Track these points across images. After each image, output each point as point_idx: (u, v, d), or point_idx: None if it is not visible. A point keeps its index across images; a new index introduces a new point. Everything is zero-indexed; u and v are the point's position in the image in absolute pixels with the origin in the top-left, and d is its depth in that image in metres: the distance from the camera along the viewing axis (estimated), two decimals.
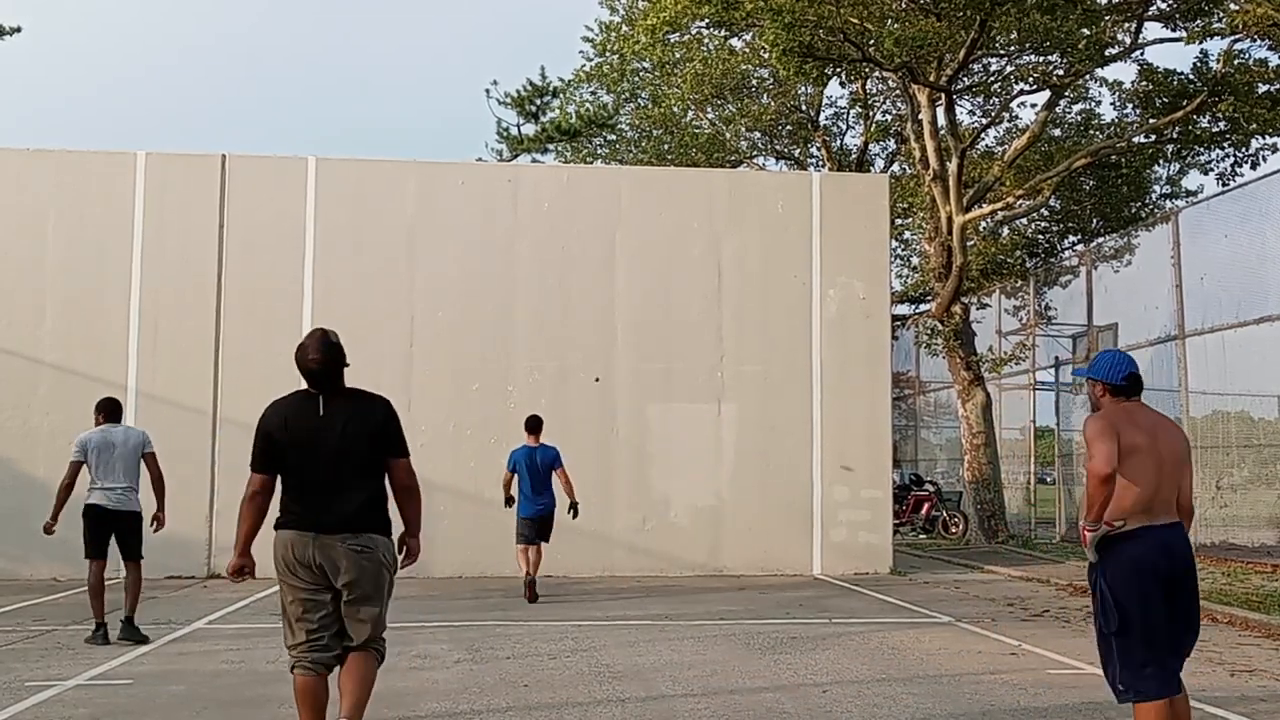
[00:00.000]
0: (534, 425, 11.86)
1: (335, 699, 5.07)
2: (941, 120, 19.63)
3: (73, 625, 9.38)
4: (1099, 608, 4.88)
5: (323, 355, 5.09)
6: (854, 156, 26.43)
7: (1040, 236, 25.48)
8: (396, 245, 14.22)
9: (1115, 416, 4.87)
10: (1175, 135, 19.82)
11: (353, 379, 5.39)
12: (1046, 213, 24.50)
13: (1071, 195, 23.63)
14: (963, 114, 22.97)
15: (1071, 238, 25.20)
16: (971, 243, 21.83)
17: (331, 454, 4.88)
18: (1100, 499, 4.73)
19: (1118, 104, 22.29)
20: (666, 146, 26.72)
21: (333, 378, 5.07)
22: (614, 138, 28.51)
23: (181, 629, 9.44)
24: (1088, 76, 21.07)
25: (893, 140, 26.55)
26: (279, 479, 5.01)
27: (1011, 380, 21.64)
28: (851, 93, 25.42)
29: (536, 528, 11.76)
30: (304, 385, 5.19)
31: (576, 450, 14.04)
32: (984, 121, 23.04)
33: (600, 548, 13.94)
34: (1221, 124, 19.25)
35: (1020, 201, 21.49)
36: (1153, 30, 18.96)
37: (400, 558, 5.14)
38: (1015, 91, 21.73)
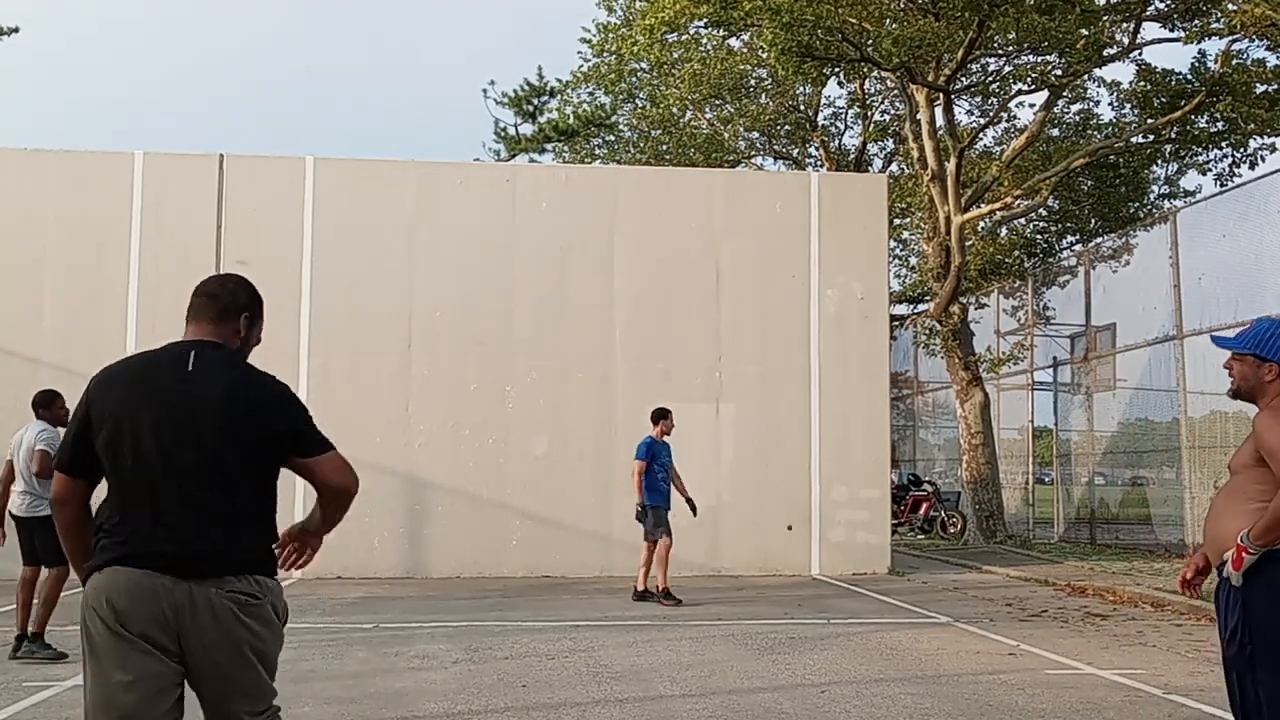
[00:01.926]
0: (653, 416, 11.59)
1: None
2: (940, 120, 19.64)
3: (70, 626, 9.35)
4: (1222, 631, 3.95)
5: (229, 280, 3.40)
6: (852, 156, 26.45)
7: (1038, 236, 25.49)
8: (395, 245, 14.21)
9: None
10: (1173, 135, 19.83)
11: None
12: (1045, 213, 24.52)
13: (1070, 195, 23.64)
14: (961, 114, 23.01)
15: (1070, 238, 25.22)
16: (970, 243, 21.83)
17: (197, 435, 3.09)
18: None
19: (1116, 104, 22.33)
20: (664, 147, 26.72)
21: (225, 317, 3.32)
22: (612, 138, 28.51)
23: None
24: (1086, 77, 21.08)
25: (891, 140, 26.56)
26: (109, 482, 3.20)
27: (1010, 380, 21.66)
28: (850, 93, 25.45)
29: (658, 515, 11.42)
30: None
31: (575, 450, 14.08)
32: (982, 121, 23.05)
33: (599, 548, 13.94)
34: (1219, 124, 19.26)
35: (1018, 201, 21.50)
36: (1151, 30, 19.00)
37: (289, 555, 3.40)
38: (1013, 91, 21.74)
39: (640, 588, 11.40)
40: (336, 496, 3.33)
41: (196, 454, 3.10)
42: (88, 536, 3.18)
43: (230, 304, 3.33)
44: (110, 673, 3.05)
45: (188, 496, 3.09)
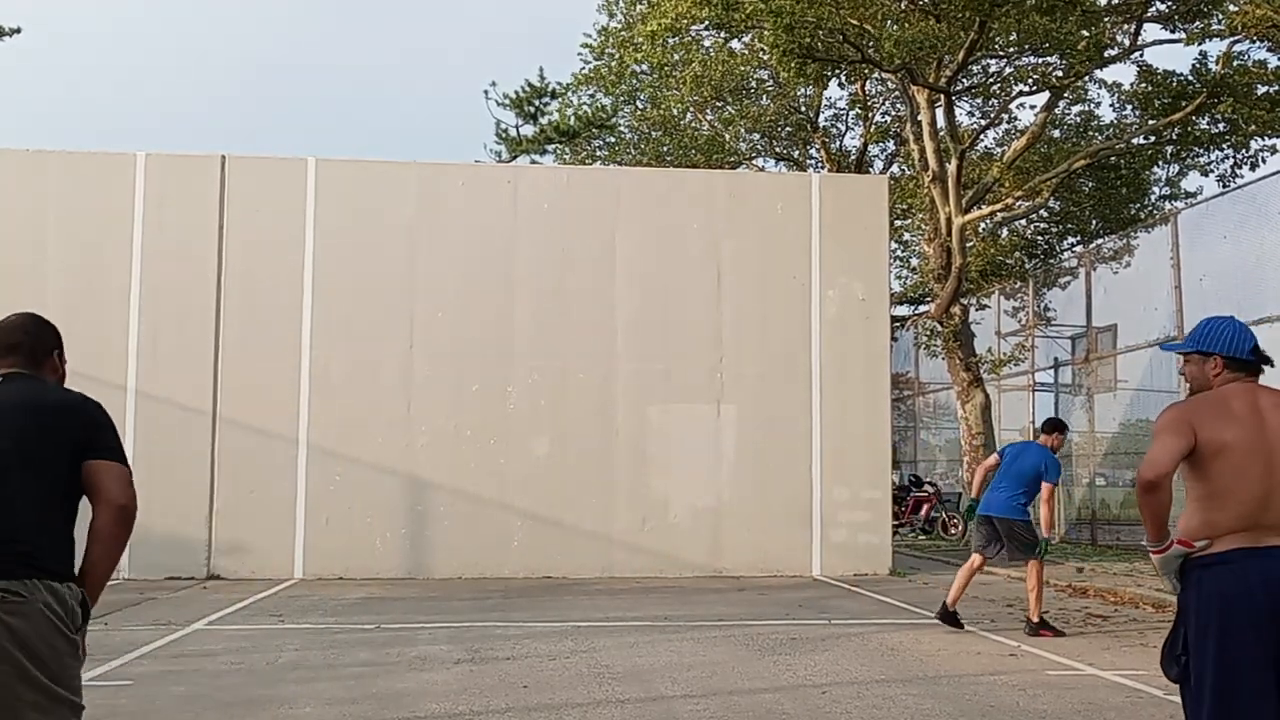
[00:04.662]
0: (1048, 426, 10.08)
1: None
2: (941, 121, 19.65)
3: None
4: (1165, 645, 3.77)
5: (22, 317, 3.52)
6: (853, 158, 26.46)
7: (1039, 238, 25.52)
8: (396, 246, 14.22)
9: (1197, 406, 3.69)
10: (1174, 136, 19.84)
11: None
12: (1046, 214, 24.53)
13: (1071, 196, 23.66)
14: (962, 115, 23.04)
15: (1071, 239, 25.25)
16: (971, 244, 21.85)
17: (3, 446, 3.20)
18: (1147, 512, 3.60)
19: (1117, 105, 22.36)
20: (665, 148, 26.74)
21: (20, 350, 3.43)
22: (613, 139, 28.53)
23: (181, 630, 9.44)
24: (1087, 78, 21.09)
25: (892, 141, 26.58)
26: None
27: (1011, 381, 21.66)
28: (851, 94, 25.46)
29: (980, 529, 9.80)
30: None
31: (576, 451, 14.09)
32: (983, 123, 23.07)
33: (600, 548, 13.95)
34: (1221, 125, 19.28)
35: (1019, 203, 21.51)
36: (1152, 32, 19.03)
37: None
38: (1014, 93, 21.78)
39: (1035, 618, 9.43)
40: (113, 511, 3.24)
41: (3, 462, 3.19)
42: None
43: (38, 346, 3.47)
44: None
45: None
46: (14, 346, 3.44)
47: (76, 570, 3.30)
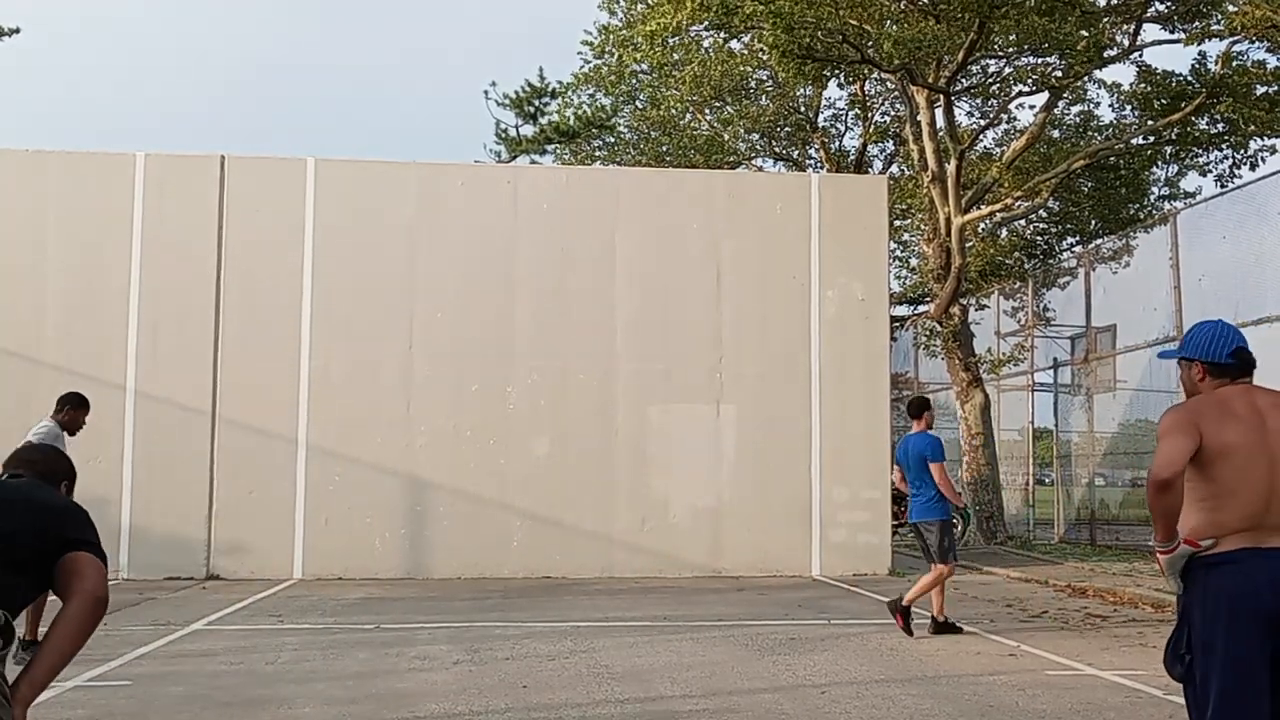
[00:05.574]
0: (913, 409, 9.87)
1: None
2: (940, 122, 19.64)
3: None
4: (1168, 645, 3.78)
5: (45, 448, 3.98)
6: (852, 158, 26.45)
7: (1039, 238, 25.51)
8: (396, 246, 14.23)
9: (1200, 407, 3.72)
10: (1174, 137, 19.84)
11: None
12: (1045, 214, 24.53)
13: (1070, 197, 23.66)
14: (961, 115, 23.02)
15: (1070, 239, 25.25)
16: (970, 244, 21.84)
17: None
18: (1159, 512, 3.58)
19: (1116, 106, 22.34)
20: (665, 148, 26.72)
21: (34, 468, 3.71)
22: (612, 140, 28.51)
23: (180, 630, 9.45)
24: (1086, 78, 21.09)
25: (891, 142, 26.57)
26: None
27: (1010, 381, 21.66)
28: (850, 94, 25.46)
29: (918, 540, 9.81)
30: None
31: (576, 451, 14.10)
32: (983, 123, 23.06)
33: (600, 548, 13.96)
34: (1220, 125, 19.28)
35: (1019, 203, 21.51)
36: (1151, 32, 19.02)
37: None
38: (1014, 93, 21.77)
39: (940, 617, 9.53)
40: (93, 601, 3.20)
41: None
42: None
43: (49, 472, 3.68)
44: None
45: None
46: (30, 463, 3.69)
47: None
